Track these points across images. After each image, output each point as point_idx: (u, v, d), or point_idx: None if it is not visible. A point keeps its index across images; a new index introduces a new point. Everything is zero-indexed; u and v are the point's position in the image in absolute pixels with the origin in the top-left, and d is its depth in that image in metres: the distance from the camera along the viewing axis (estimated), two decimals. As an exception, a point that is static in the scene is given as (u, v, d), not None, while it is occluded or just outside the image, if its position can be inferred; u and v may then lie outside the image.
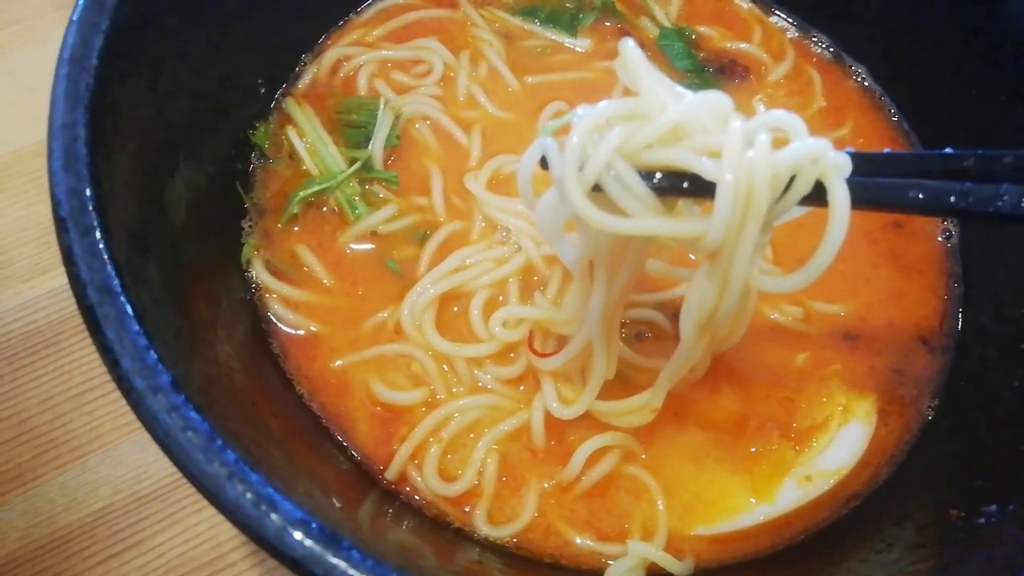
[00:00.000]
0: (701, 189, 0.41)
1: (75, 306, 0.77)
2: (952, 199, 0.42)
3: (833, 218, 0.41)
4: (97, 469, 0.70)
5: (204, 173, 0.58)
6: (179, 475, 0.71)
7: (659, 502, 0.54)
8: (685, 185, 0.42)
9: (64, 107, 0.43)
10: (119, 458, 0.71)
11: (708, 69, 0.73)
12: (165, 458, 0.74)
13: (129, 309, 0.39)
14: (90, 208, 0.41)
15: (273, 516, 0.35)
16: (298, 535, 0.35)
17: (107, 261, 0.40)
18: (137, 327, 0.38)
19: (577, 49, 0.72)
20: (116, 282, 0.40)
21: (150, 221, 0.48)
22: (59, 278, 0.79)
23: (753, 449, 0.57)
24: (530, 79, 0.70)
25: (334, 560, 0.35)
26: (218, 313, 0.54)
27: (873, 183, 0.43)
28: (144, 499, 0.69)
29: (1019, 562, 0.39)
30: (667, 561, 0.51)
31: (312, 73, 0.68)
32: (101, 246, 0.40)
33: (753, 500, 0.55)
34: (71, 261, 0.40)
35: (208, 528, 0.69)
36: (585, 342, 0.51)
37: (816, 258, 0.42)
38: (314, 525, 0.36)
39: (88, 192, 0.41)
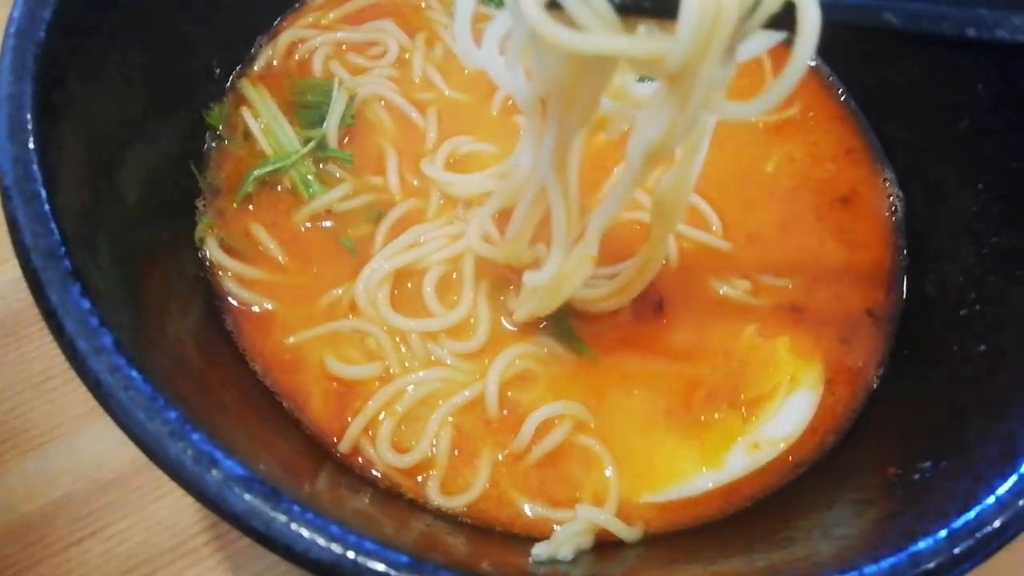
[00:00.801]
0: (664, 7, 0.38)
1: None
2: (924, 24, 0.40)
3: (801, 35, 0.38)
4: (57, 458, 0.70)
5: (158, 152, 0.58)
6: (139, 463, 0.72)
7: (609, 470, 0.56)
8: (647, 3, 0.39)
9: (11, 78, 0.44)
10: (79, 447, 0.71)
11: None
12: (125, 446, 0.74)
13: (72, 273, 0.39)
14: (36, 176, 0.42)
15: (214, 472, 0.36)
16: (238, 490, 0.36)
17: (52, 227, 0.41)
18: (80, 290, 0.39)
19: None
20: (61, 248, 0.40)
21: (100, 196, 0.49)
22: (18, 269, 0.79)
23: (702, 417, 0.58)
24: (485, 61, 0.71)
25: (274, 514, 0.36)
26: (171, 290, 0.55)
27: (845, 4, 0.40)
28: (104, 487, 0.69)
29: (948, 510, 0.41)
30: (616, 526, 0.52)
31: (267, 55, 0.69)
32: (46, 209, 0.41)
33: (703, 468, 0.56)
34: (16, 228, 0.41)
35: (169, 515, 0.69)
36: (538, 188, 0.49)
37: (780, 81, 0.39)
38: (256, 481, 0.36)
39: (35, 162, 0.42)
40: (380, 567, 0.35)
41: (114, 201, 0.51)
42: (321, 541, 0.36)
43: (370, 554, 0.35)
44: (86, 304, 0.39)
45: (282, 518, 0.36)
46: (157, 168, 0.58)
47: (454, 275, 0.61)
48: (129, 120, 0.55)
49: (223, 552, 0.67)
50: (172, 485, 0.70)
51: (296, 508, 0.36)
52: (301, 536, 0.35)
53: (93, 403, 0.74)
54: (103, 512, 0.68)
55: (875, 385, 0.61)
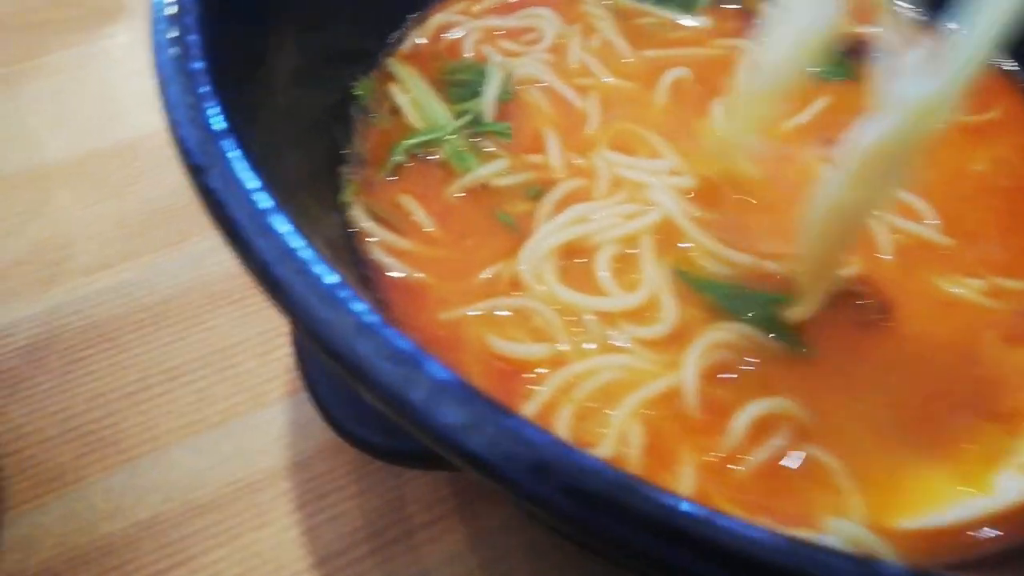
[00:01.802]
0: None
1: (137, 302, 0.75)
2: None
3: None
4: (147, 474, 0.63)
5: (304, 120, 0.53)
6: (240, 485, 0.64)
7: (848, 486, 0.44)
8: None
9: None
10: (173, 464, 0.64)
11: (839, 50, 0.69)
12: (225, 465, 0.68)
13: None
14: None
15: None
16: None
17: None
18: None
19: (695, 27, 0.69)
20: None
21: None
22: (121, 274, 0.75)
23: (952, 432, 0.47)
24: (646, 52, 0.66)
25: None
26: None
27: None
28: (198, 511, 0.61)
29: None
30: (885, 550, 0.41)
31: (415, 37, 0.65)
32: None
33: (965, 491, 0.45)
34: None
35: (270, 548, 0.60)
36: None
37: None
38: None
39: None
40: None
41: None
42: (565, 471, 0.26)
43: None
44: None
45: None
46: (303, 136, 0.53)
47: (631, 251, 0.53)
48: (276, 88, 0.50)
49: (332, 596, 0.57)
50: (276, 514, 0.63)
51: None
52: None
53: (192, 417, 0.68)
54: (195, 539, 0.60)
55: None
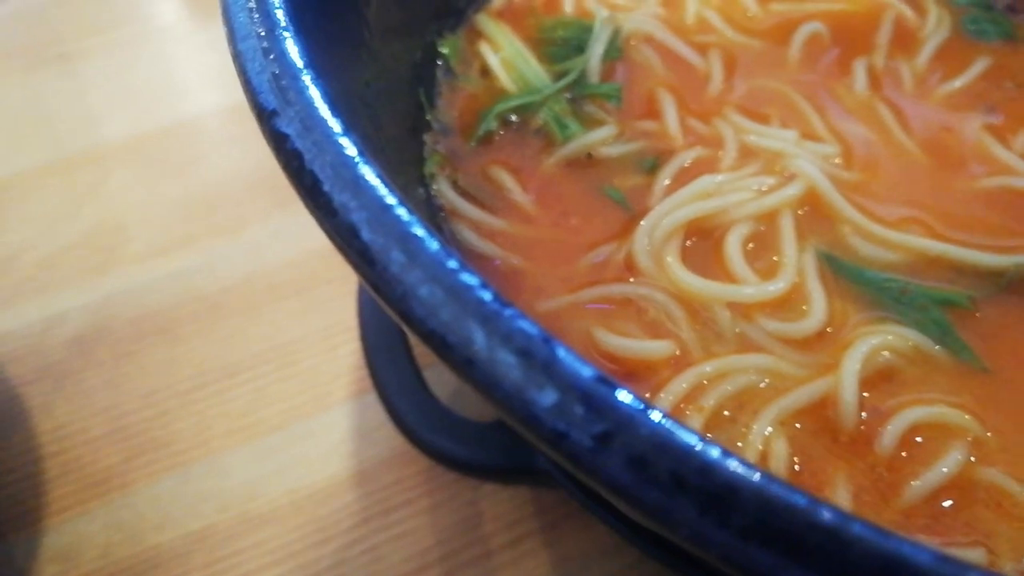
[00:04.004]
0: None
1: (193, 292, 0.72)
2: None
3: None
4: (200, 480, 0.61)
5: (385, 79, 0.49)
6: (299, 496, 0.60)
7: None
8: None
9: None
10: (228, 470, 0.62)
11: (996, 6, 0.61)
12: (284, 474, 0.64)
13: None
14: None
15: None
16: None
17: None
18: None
19: (830, -22, 0.62)
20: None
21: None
22: (178, 261, 0.73)
23: None
24: (774, 6, 0.60)
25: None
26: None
27: None
28: (254, 523, 0.59)
29: None
30: None
31: (507, -8, 0.60)
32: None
33: None
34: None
35: (328, 568, 0.57)
36: None
37: None
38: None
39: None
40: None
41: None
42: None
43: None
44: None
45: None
46: (383, 98, 0.48)
47: (767, 230, 0.46)
48: (355, 40, 0.46)
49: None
50: (337, 529, 0.60)
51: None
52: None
53: (249, 419, 0.64)
54: (249, 554, 0.57)
55: None
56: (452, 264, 0.25)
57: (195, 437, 0.62)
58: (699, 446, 0.21)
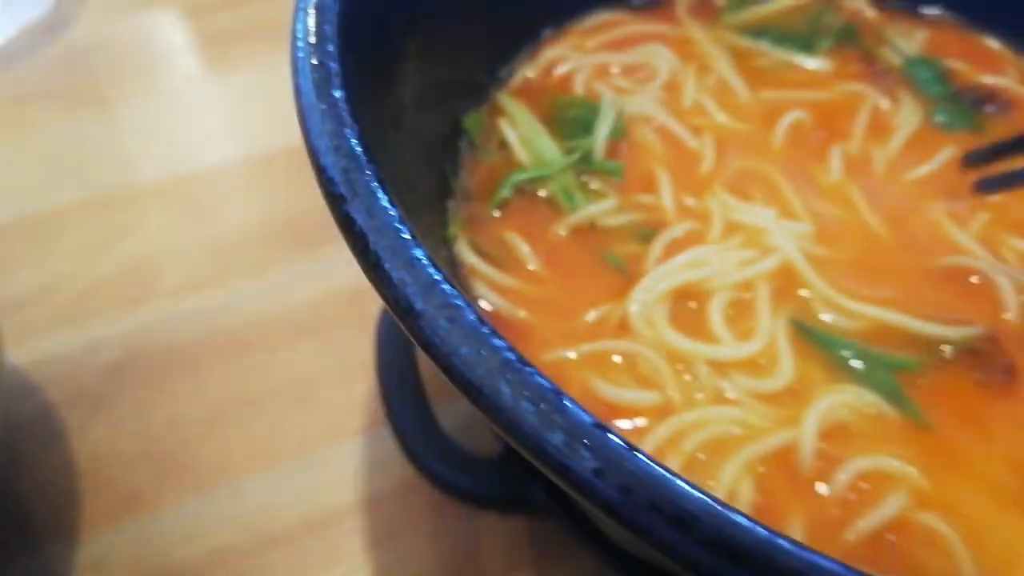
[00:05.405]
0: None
1: (219, 327, 0.80)
2: None
3: None
4: (222, 503, 0.68)
5: (415, 148, 0.58)
6: (313, 519, 0.68)
7: (961, 554, 0.46)
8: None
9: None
10: (248, 493, 0.69)
11: (964, 99, 0.71)
12: (299, 499, 0.72)
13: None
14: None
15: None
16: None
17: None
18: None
19: (815, 69, 0.72)
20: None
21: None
22: (207, 298, 0.81)
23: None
24: (764, 94, 0.69)
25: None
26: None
27: None
28: (272, 541, 0.66)
29: None
30: None
31: (526, 72, 0.70)
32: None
33: (1100, 568, 0.45)
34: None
35: None
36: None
37: None
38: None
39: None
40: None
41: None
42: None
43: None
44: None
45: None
46: (415, 169, 0.57)
47: (746, 298, 0.55)
48: (396, 119, 0.55)
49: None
50: (347, 550, 0.68)
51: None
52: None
53: (268, 446, 0.73)
54: (266, 570, 0.64)
55: None
56: (485, 330, 0.34)
57: (217, 462, 0.69)
58: (669, 479, 0.30)
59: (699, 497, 0.29)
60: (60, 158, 0.93)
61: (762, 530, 0.29)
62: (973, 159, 0.64)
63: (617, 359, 0.53)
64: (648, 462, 0.30)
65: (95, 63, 1.03)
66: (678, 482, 0.30)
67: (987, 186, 0.62)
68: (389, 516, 0.67)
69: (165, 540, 0.65)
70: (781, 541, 0.29)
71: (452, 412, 0.69)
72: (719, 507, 0.29)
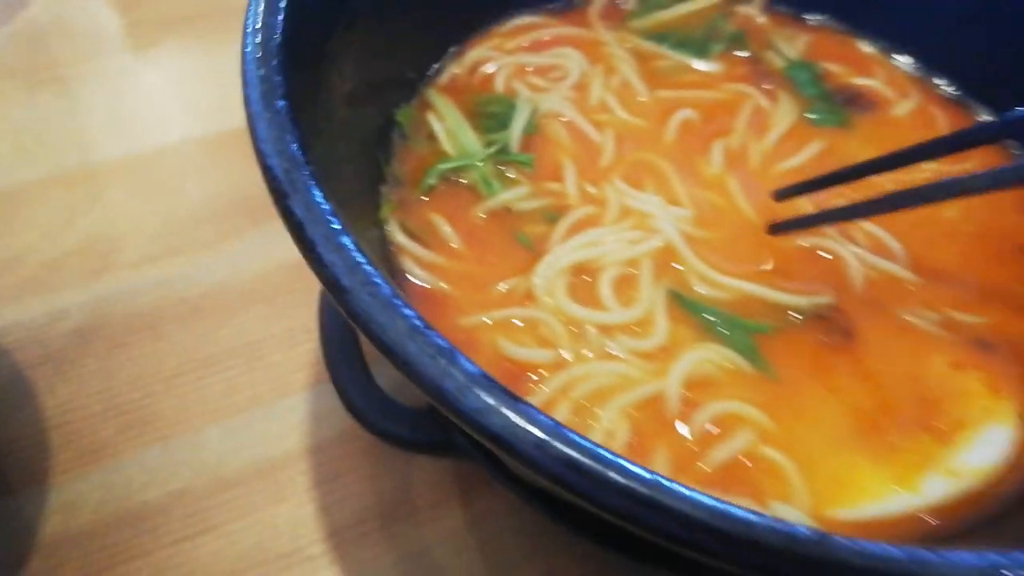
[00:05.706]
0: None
1: (177, 295, 0.88)
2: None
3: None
4: (180, 451, 0.75)
5: (352, 140, 0.67)
6: (262, 465, 0.77)
7: (794, 478, 0.58)
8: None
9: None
10: (203, 443, 0.76)
11: (835, 99, 0.82)
12: (250, 447, 0.80)
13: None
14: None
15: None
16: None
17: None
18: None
19: (707, 71, 0.83)
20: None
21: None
22: (165, 269, 0.88)
23: (893, 440, 0.60)
24: (660, 93, 0.80)
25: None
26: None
27: None
28: (224, 484, 0.74)
29: None
30: (813, 526, 0.53)
31: (453, 70, 0.79)
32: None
33: (898, 490, 0.58)
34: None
35: (287, 521, 0.72)
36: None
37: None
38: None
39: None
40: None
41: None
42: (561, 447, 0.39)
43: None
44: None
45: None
46: (351, 157, 0.66)
47: (632, 272, 0.66)
48: (331, 115, 0.64)
49: (341, 564, 0.70)
50: (293, 491, 0.77)
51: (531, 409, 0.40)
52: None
53: (222, 401, 0.81)
54: (220, 510, 0.72)
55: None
56: (397, 302, 0.43)
57: (176, 416, 0.77)
58: (534, 413, 0.40)
59: (552, 424, 0.40)
60: (20, 136, 0.98)
61: (589, 444, 0.39)
62: (783, 194, 0.72)
63: (521, 324, 0.64)
64: (520, 401, 0.41)
65: (53, 42, 1.08)
66: (541, 416, 0.40)
67: (781, 228, 0.70)
68: (331, 461, 0.76)
69: (128, 486, 0.72)
70: (602, 451, 0.39)
71: (387, 370, 0.77)
72: (566, 431, 0.39)
